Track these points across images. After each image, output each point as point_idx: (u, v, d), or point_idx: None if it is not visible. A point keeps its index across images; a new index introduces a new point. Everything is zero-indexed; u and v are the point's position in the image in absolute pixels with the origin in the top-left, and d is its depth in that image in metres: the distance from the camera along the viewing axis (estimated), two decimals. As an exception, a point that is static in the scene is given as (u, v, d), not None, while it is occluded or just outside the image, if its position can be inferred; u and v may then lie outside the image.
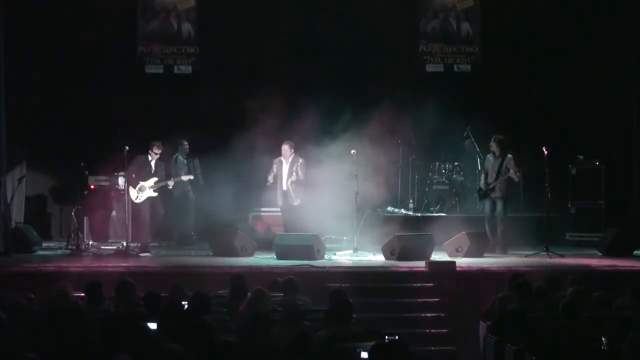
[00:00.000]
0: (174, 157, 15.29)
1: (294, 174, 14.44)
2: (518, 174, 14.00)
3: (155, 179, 14.34)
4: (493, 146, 14.31)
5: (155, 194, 14.39)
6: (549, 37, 16.60)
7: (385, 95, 15.41)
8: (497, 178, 14.17)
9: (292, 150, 14.54)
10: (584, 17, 16.42)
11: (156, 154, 14.38)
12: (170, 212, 15.14)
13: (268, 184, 14.63)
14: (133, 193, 14.33)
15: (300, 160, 14.53)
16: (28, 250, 14.04)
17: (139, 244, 14.24)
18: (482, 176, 14.49)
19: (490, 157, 14.41)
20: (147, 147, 14.43)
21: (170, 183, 14.56)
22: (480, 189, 14.51)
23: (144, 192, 14.30)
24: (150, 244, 14.40)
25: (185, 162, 15.36)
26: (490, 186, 14.20)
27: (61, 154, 15.89)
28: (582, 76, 16.38)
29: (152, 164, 14.42)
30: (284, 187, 14.53)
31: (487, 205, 14.38)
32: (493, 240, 14.24)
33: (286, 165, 14.54)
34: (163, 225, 15.04)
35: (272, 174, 14.53)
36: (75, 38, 16.12)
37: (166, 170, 14.80)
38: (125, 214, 14.69)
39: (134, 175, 14.30)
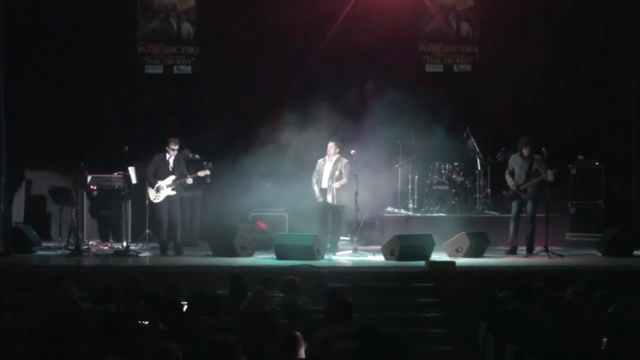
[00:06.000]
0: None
1: (340, 177, 14.02)
2: (553, 172, 13.85)
3: (173, 177, 14.15)
4: (521, 147, 14.20)
5: (174, 193, 14.19)
6: (548, 37, 16.58)
7: (385, 95, 15.41)
8: (527, 179, 14.11)
9: (337, 150, 14.17)
10: (583, 16, 16.42)
11: (173, 150, 14.15)
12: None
13: (317, 194, 14.16)
14: (151, 193, 14.23)
15: (345, 161, 14.13)
16: (28, 251, 14.04)
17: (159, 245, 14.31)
18: (509, 177, 14.27)
19: (517, 157, 14.27)
20: (164, 145, 14.28)
21: (189, 180, 14.26)
22: (510, 190, 14.24)
23: (161, 191, 14.18)
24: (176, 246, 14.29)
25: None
26: (522, 188, 14.15)
27: (61, 154, 15.88)
28: (582, 76, 16.37)
29: (171, 161, 14.21)
30: (324, 185, 14.17)
31: (515, 205, 14.27)
32: (514, 241, 14.20)
33: (329, 164, 14.18)
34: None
35: (315, 177, 14.20)
36: (75, 38, 16.12)
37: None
38: (125, 213, 14.73)
39: (152, 175, 14.19)
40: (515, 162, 14.30)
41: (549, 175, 13.86)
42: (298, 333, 6.67)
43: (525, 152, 14.15)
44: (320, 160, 14.30)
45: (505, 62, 16.58)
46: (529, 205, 14.18)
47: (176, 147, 14.21)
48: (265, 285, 9.46)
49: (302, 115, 14.77)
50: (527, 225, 14.21)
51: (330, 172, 14.13)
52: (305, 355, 6.59)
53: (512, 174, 14.28)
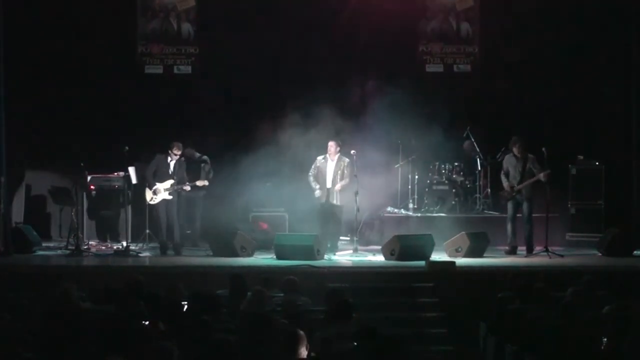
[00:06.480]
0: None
1: (342, 179, 13.98)
2: (545, 173, 13.78)
3: (171, 181, 14.12)
4: (512, 146, 14.19)
5: (171, 197, 14.16)
6: (548, 36, 16.58)
7: (385, 95, 15.41)
8: (521, 180, 14.09)
9: (338, 149, 14.11)
10: (584, 16, 16.41)
11: (175, 154, 14.14)
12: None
13: (316, 189, 14.08)
14: (148, 194, 14.21)
15: (347, 161, 14.09)
16: (28, 251, 14.04)
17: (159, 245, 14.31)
18: (504, 178, 14.27)
19: (511, 157, 14.27)
20: (164, 146, 14.29)
21: (187, 188, 14.27)
22: (505, 191, 14.25)
23: (158, 194, 14.13)
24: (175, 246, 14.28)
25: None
26: (516, 189, 14.12)
27: (61, 154, 15.87)
28: (582, 76, 16.36)
29: (172, 164, 14.18)
30: (328, 185, 14.08)
31: (511, 206, 14.25)
32: (514, 241, 14.19)
33: (332, 163, 14.12)
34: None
35: (313, 173, 14.13)
36: (75, 38, 16.12)
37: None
38: (125, 214, 14.72)
39: (152, 176, 14.17)
40: (509, 162, 14.30)
41: (542, 177, 13.85)
42: (301, 332, 6.67)
43: (516, 151, 14.15)
44: (320, 158, 14.25)
45: (505, 62, 16.57)
46: (525, 206, 14.16)
47: (179, 152, 14.21)
48: (265, 285, 9.46)
49: (302, 116, 14.76)
50: (525, 225, 14.20)
51: (334, 172, 14.10)
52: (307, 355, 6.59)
53: (506, 174, 14.29)
